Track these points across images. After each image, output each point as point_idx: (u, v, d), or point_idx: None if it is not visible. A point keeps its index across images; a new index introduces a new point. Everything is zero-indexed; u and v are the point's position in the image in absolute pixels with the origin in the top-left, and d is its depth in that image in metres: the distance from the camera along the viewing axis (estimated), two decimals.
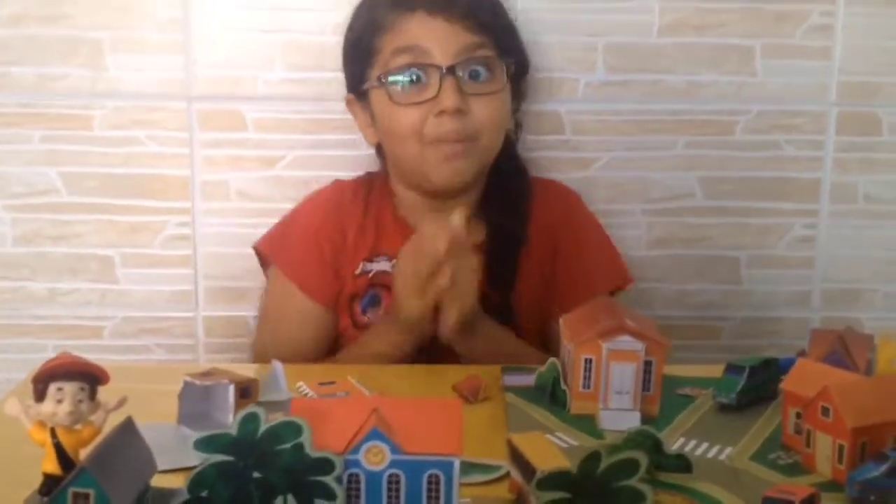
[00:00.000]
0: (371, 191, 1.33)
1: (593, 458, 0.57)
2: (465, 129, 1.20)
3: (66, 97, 1.39)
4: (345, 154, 1.40)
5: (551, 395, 1.00)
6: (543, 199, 1.32)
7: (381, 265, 1.27)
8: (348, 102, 1.30)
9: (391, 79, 1.20)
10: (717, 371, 1.03)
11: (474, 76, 1.20)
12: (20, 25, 1.37)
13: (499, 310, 1.22)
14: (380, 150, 1.32)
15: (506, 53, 1.24)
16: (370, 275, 1.27)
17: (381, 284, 1.26)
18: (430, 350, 1.18)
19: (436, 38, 1.18)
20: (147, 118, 1.40)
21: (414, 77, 1.19)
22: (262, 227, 1.35)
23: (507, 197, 1.29)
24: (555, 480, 0.56)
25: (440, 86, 1.17)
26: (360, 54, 1.25)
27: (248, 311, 1.45)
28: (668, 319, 1.45)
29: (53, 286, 1.44)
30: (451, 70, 1.17)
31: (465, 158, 1.21)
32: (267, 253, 1.32)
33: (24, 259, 1.43)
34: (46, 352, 1.36)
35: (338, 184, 1.35)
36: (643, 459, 0.60)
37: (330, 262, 1.28)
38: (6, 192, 1.41)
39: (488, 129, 1.22)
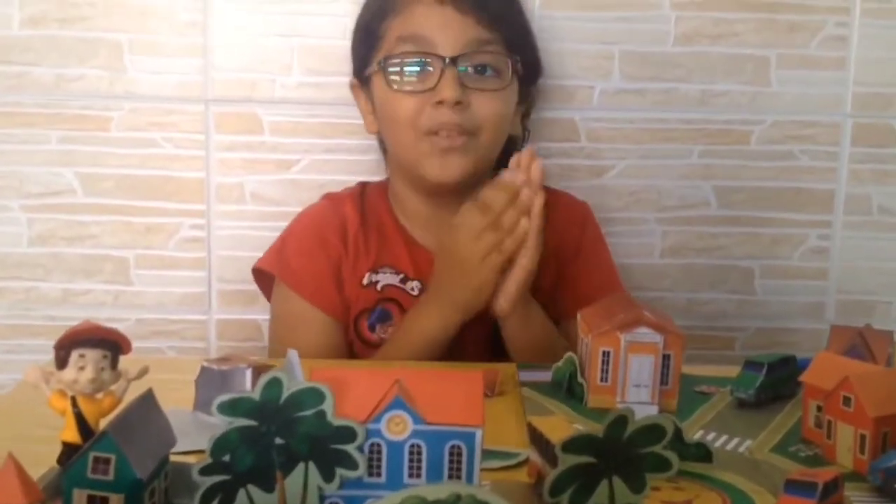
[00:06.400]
0: (366, 199, 1.30)
1: (619, 422, 0.57)
2: (463, 124, 1.16)
3: (84, 98, 1.40)
4: (361, 158, 1.41)
5: (568, 390, 0.99)
6: (559, 206, 1.28)
7: (388, 278, 1.24)
8: (352, 87, 1.29)
9: (391, 66, 1.18)
10: (733, 372, 1.03)
11: (479, 71, 1.17)
12: (39, 26, 1.38)
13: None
14: (381, 142, 1.31)
15: (515, 52, 1.21)
16: (378, 287, 1.24)
17: (391, 299, 1.23)
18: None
19: (442, 28, 1.16)
20: (164, 120, 1.41)
21: (416, 66, 1.17)
22: (276, 230, 1.33)
23: None
24: (581, 443, 0.56)
25: (440, 76, 1.15)
26: (366, 38, 1.24)
27: (260, 315, 1.44)
28: (680, 329, 1.45)
29: (67, 287, 1.44)
30: (454, 61, 1.15)
31: (460, 154, 1.17)
32: (268, 269, 1.28)
33: (38, 259, 1.43)
34: None
35: (330, 195, 1.32)
36: (669, 426, 0.59)
37: (332, 270, 1.24)
38: (23, 191, 1.42)
39: (487, 125, 1.18)
